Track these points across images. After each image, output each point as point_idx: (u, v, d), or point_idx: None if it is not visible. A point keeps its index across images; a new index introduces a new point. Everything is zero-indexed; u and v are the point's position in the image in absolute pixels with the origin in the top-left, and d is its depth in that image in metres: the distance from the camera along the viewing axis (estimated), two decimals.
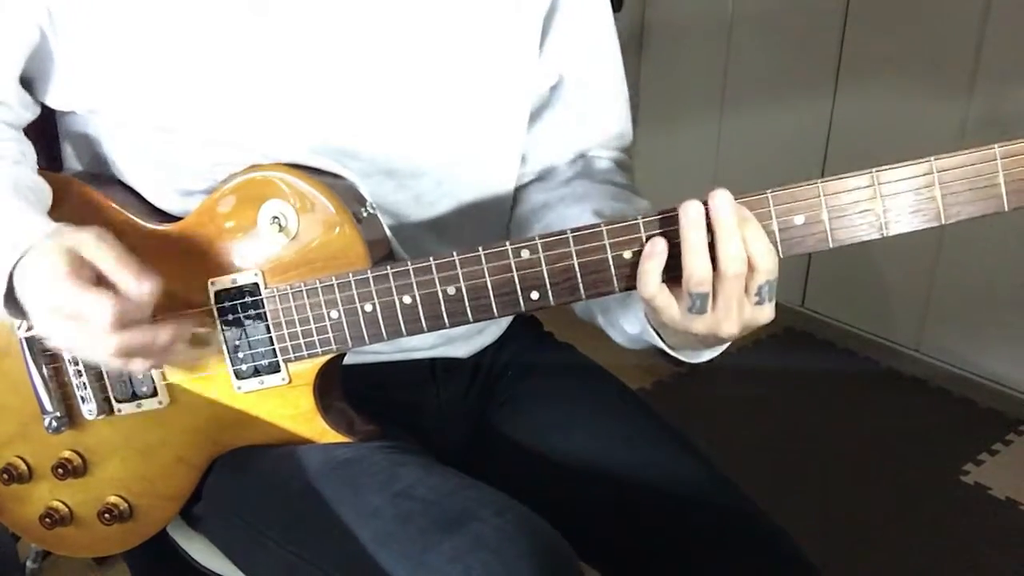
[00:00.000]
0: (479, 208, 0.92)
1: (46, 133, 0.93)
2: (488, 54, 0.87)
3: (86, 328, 0.73)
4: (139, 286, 0.72)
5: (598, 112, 0.97)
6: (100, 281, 0.73)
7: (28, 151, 0.87)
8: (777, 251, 0.70)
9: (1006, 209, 0.67)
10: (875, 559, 1.77)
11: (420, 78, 0.85)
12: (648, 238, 0.72)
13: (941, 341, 2.34)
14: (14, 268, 0.75)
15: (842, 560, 1.72)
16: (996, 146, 0.66)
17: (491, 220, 0.95)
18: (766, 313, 0.72)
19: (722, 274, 0.69)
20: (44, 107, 0.88)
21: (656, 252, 0.71)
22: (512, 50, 0.89)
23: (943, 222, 0.68)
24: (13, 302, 0.77)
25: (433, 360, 0.96)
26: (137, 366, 0.77)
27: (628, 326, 0.83)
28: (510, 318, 1.05)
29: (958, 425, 2.21)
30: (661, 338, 0.79)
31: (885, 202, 0.68)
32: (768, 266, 0.70)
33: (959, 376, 2.31)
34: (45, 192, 0.84)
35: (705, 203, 0.69)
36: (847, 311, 2.51)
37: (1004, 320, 2.21)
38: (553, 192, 0.94)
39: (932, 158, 0.67)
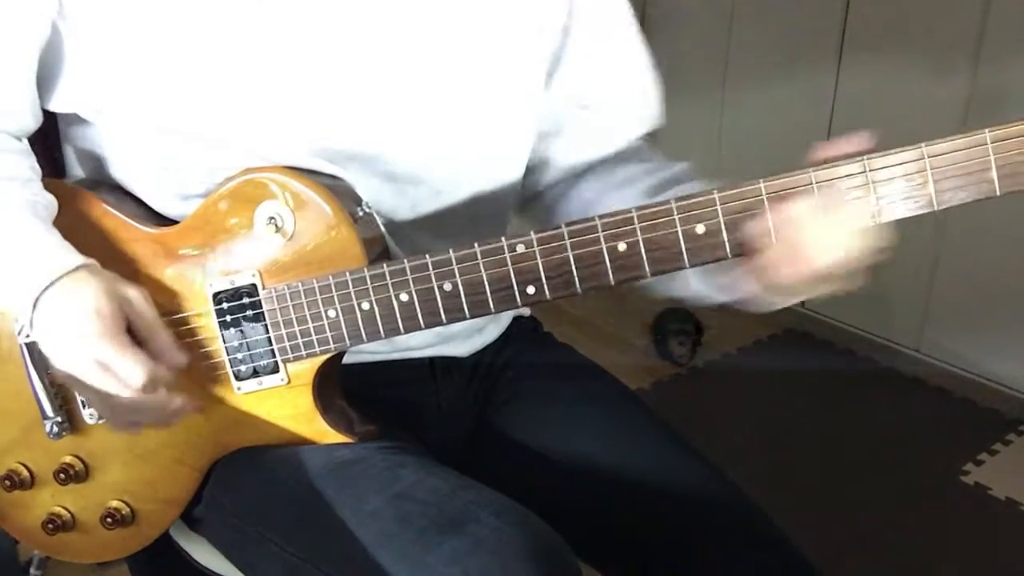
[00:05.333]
0: (477, 217, 0.92)
1: (47, 140, 0.93)
2: (496, 68, 0.88)
3: (112, 381, 0.77)
4: (175, 356, 0.79)
5: (630, 111, 0.98)
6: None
7: (35, 164, 0.87)
8: (772, 241, 0.71)
9: (998, 194, 0.67)
10: (875, 559, 1.77)
11: (423, 85, 0.85)
12: (642, 229, 0.73)
13: (941, 341, 2.34)
14: (41, 294, 0.77)
15: (842, 560, 1.72)
16: (987, 131, 0.66)
17: (488, 227, 0.95)
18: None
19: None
20: (45, 113, 0.88)
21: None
22: (520, 66, 0.89)
23: (935, 208, 0.69)
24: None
25: (432, 359, 0.96)
26: (138, 427, 0.83)
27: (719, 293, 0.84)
28: (509, 317, 1.05)
29: (958, 425, 2.22)
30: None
31: (877, 189, 0.69)
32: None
33: (959, 376, 2.31)
34: (55, 206, 0.84)
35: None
36: (847, 311, 2.51)
37: (1004, 320, 2.21)
38: (595, 187, 0.95)
39: (923, 144, 0.68)
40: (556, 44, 0.91)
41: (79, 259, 0.78)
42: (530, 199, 1.02)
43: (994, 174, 0.67)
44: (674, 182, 0.89)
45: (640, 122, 0.99)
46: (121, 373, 0.76)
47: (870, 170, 0.69)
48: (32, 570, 1.63)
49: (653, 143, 1.00)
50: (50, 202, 0.83)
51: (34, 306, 0.77)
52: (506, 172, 0.94)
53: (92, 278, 0.77)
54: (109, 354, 0.76)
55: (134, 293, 0.79)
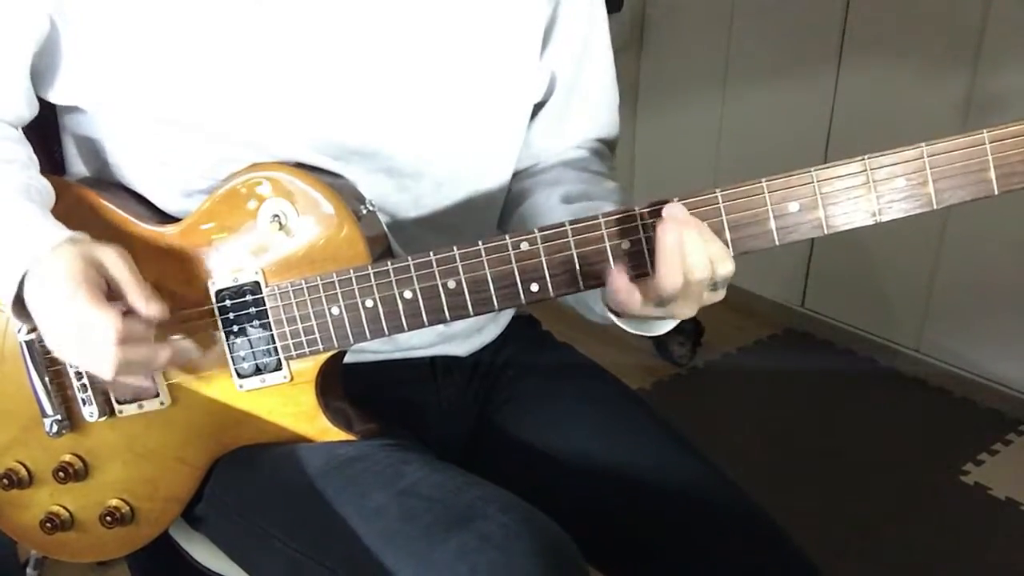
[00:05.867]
0: (476, 209, 0.93)
1: (46, 136, 0.93)
2: (492, 60, 0.88)
3: (90, 339, 0.75)
4: (148, 307, 0.77)
5: (586, 114, 0.99)
6: (110, 297, 0.77)
7: (31, 154, 0.88)
8: (774, 239, 0.71)
9: (995, 193, 0.68)
10: (875, 559, 1.77)
11: (424, 79, 0.85)
12: (645, 227, 0.73)
13: (941, 341, 2.34)
14: (26, 273, 0.77)
15: (842, 560, 1.72)
16: (985, 131, 0.67)
17: (488, 220, 0.96)
18: (718, 296, 0.77)
19: (689, 281, 0.72)
20: (45, 109, 0.88)
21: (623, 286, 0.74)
22: (515, 57, 0.90)
23: (935, 207, 0.69)
24: (21, 306, 0.78)
25: (433, 359, 0.96)
26: (134, 380, 0.82)
27: (596, 306, 0.85)
28: (509, 317, 1.05)
29: (958, 425, 2.22)
30: (617, 313, 0.81)
31: (878, 188, 0.69)
32: (727, 269, 0.73)
33: (959, 376, 2.31)
34: (51, 193, 0.84)
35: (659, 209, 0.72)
36: (847, 311, 2.51)
37: (1004, 320, 2.21)
38: (529, 180, 0.97)
39: (923, 144, 0.68)
40: (547, 18, 0.92)
41: (65, 233, 0.78)
42: None
43: (992, 174, 0.68)
44: (591, 197, 0.89)
45: (596, 121, 1.00)
46: (97, 327, 0.75)
47: (871, 169, 0.69)
48: (29, 570, 1.62)
49: (606, 161, 1.01)
50: (45, 187, 0.83)
51: (20, 284, 0.77)
52: (504, 161, 0.94)
53: (71, 247, 0.77)
54: (84, 311, 0.75)
55: (108, 253, 0.78)
